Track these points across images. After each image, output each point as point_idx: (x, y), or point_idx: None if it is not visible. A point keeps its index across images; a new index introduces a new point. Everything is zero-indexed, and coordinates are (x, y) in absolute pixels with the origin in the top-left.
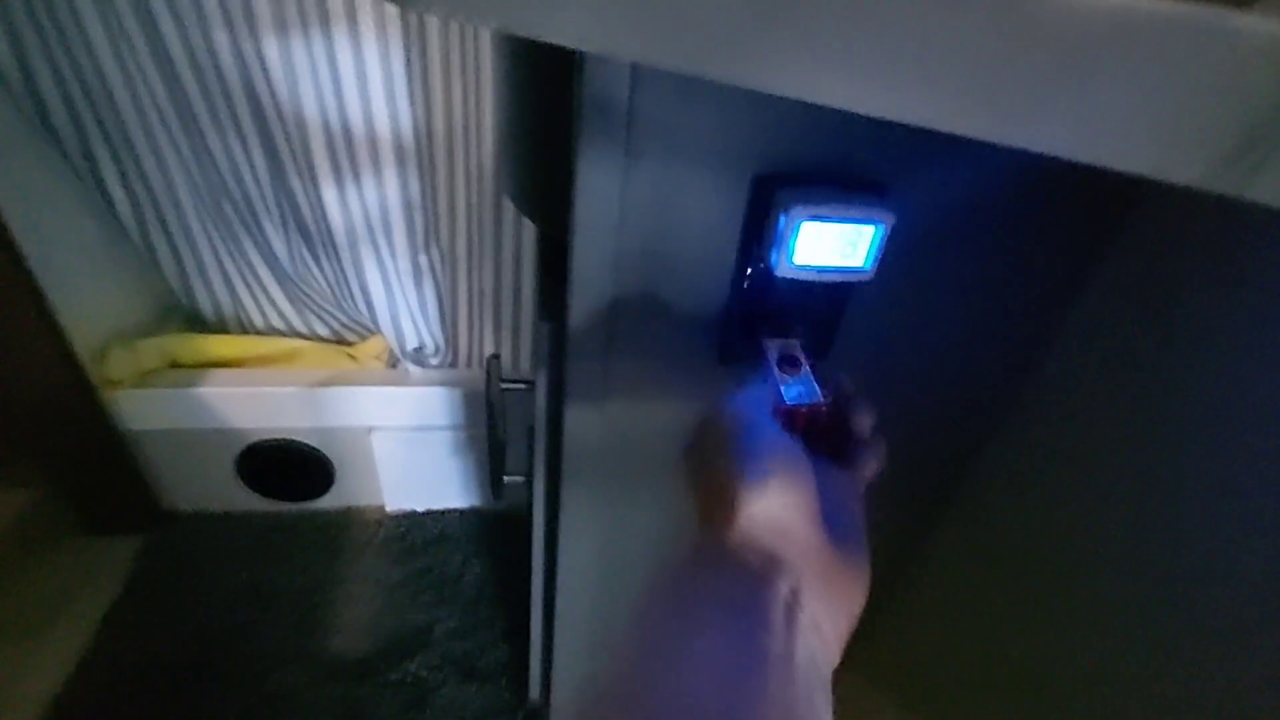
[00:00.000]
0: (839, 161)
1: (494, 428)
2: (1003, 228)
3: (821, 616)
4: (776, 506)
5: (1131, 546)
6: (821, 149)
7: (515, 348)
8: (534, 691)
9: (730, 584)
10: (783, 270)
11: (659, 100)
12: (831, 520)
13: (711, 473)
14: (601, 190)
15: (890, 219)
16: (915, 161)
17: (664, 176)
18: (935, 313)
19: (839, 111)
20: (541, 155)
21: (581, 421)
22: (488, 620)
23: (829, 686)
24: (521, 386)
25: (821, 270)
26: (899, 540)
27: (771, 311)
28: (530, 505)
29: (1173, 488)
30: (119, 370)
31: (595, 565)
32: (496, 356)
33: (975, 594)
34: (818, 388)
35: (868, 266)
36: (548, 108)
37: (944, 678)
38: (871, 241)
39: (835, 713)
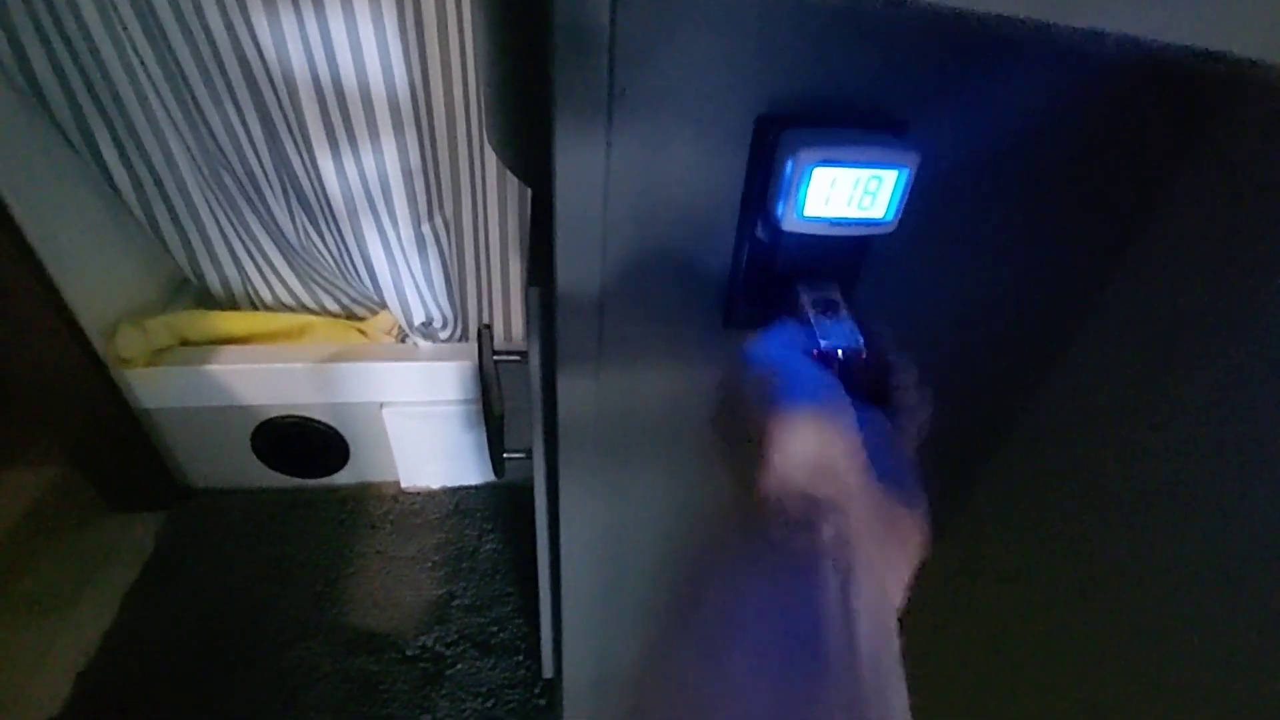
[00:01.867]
0: (853, 97)
1: (488, 402)
2: (1044, 168)
3: (877, 560)
4: (814, 444)
5: (1162, 549)
6: (833, 82)
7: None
8: (547, 669)
9: (773, 531)
10: (790, 224)
11: (644, 26)
12: (879, 459)
13: (741, 423)
14: (583, 134)
15: (914, 161)
16: (940, 92)
17: (654, 118)
18: (965, 269)
19: (851, 38)
20: (520, 98)
21: (576, 392)
22: (504, 594)
23: (894, 637)
24: (515, 358)
25: (836, 223)
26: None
27: (780, 269)
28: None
29: (1210, 489)
30: (129, 349)
31: (600, 540)
32: (488, 327)
33: (1007, 573)
34: (859, 333)
35: (889, 218)
36: (523, 40)
37: (953, 690)
38: (894, 188)
39: None
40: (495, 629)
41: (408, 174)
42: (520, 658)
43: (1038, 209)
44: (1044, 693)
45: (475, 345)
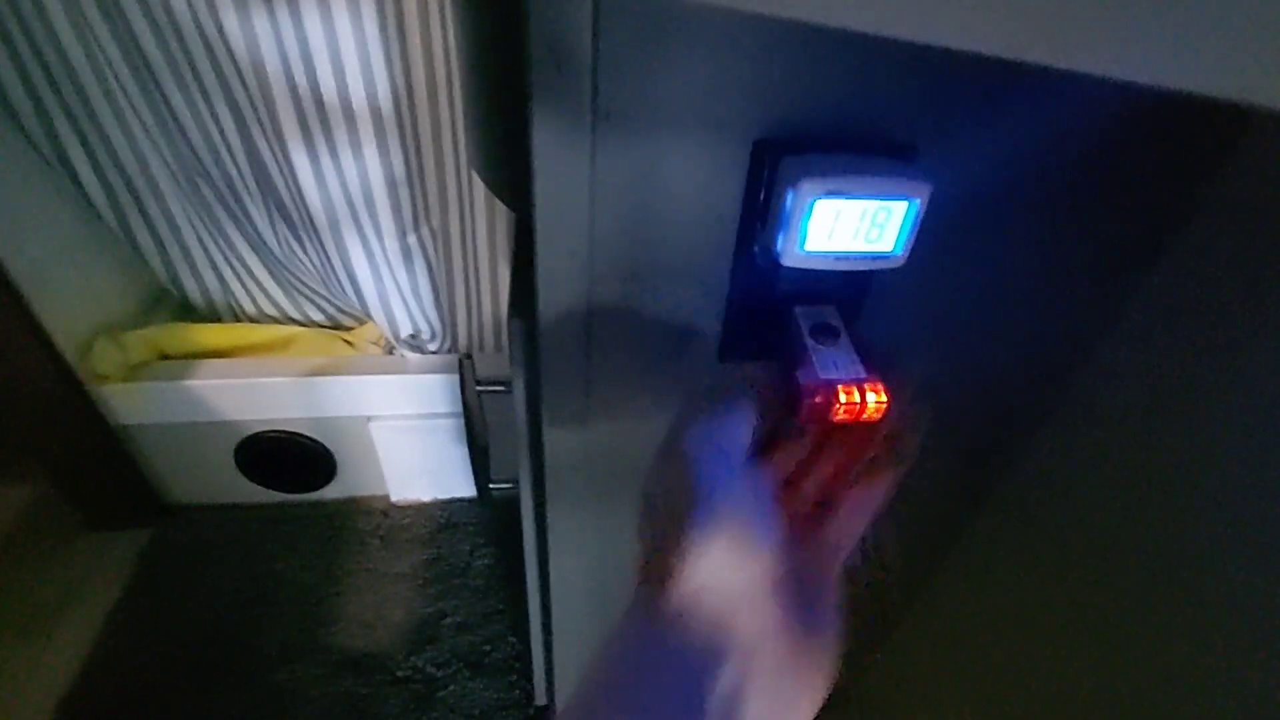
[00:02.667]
0: (859, 120)
1: (472, 434)
2: (1063, 195)
3: (769, 711)
4: (723, 578)
5: (1167, 563)
6: (837, 104)
7: None
8: (539, 697)
9: (673, 652)
10: (791, 259)
11: (631, 43)
12: (796, 594)
13: (658, 519)
14: (565, 158)
15: (925, 191)
16: (952, 115)
17: (641, 142)
18: (975, 303)
19: (856, 57)
20: (499, 117)
21: (563, 427)
22: (497, 611)
23: None
24: (500, 389)
25: (840, 257)
26: (928, 541)
27: (779, 301)
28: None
29: (1219, 503)
30: (105, 364)
31: (589, 574)
32: (469, 357)
33: (1007, 598)
34: (859, 362)
35: (898, 251)
36: (500, 57)
37: (974, 685)
38: (903, 221)
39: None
40: (488, 648)
41: (391, 184)
42: (513, 678)
43: (1055, 240)
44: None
45: (463, 368)
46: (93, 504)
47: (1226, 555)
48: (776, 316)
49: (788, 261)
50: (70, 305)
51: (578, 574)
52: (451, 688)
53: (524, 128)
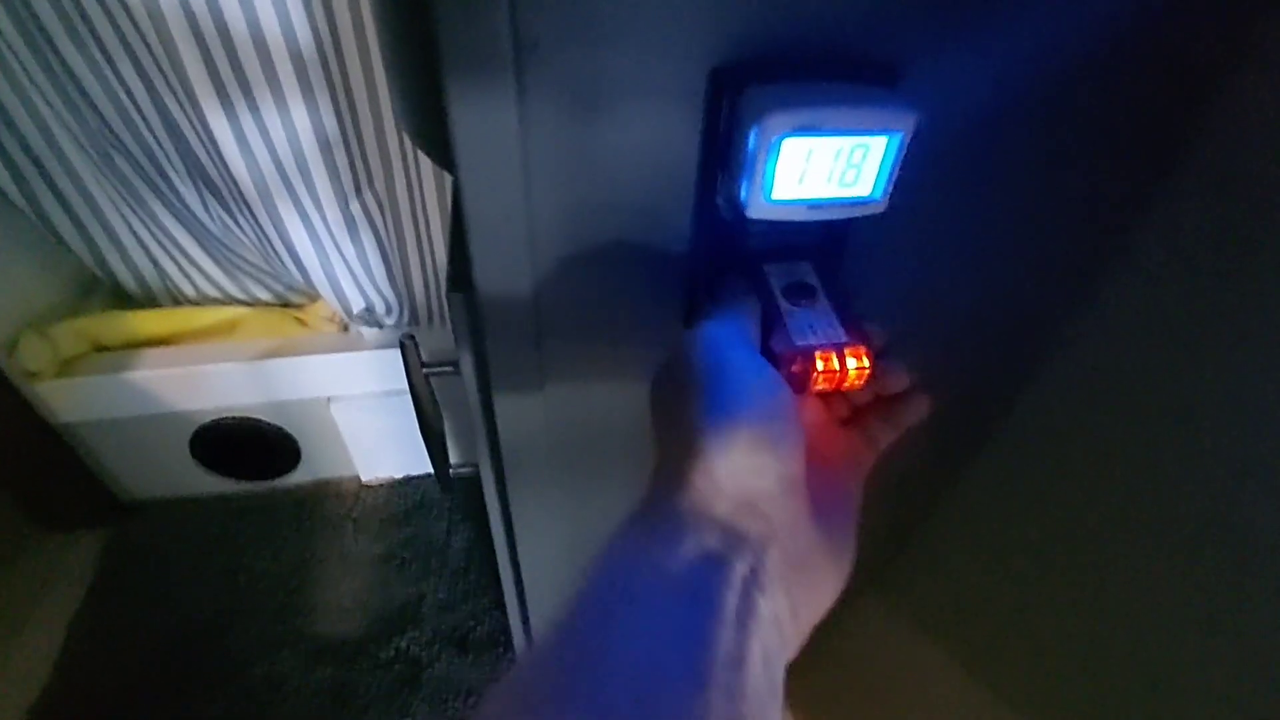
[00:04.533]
0: (831, 38)
1: (424, 419)
2: (1065, 123)
3: (784, 609)
4: (745, 467)
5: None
6: (805, 20)
7: None
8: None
9: (679, 561)
10: (757, 209)
11: None
12: (816, 490)
13: (672, 416)
14: (485, 99)
15: (910, 122)
16: (941, 27)
17: (576, 75)
18: (964, 249)
19: None
20: (411, 55)
21: (517, 406)
22: (478, 588)
23: (780, 691)
24: (448, 369)
25: (813, 205)
26: (935, 475)
27: (748, 257)
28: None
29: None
30: (34, 361)
31: (558, 551)
32: (412, 338)
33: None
34: (839, 324)
35: (877, 195)
36: None
37: (990, 621)
38: (883, 159)
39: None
40: (473, 624)
41: (325, 146)
42: (500, 650)
43: (1057, 174)
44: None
45: (425, 329)
46: (44, 506)
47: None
48: (746, 274)
49: (754, 214)
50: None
51: (547, 548)
52: (437, 667)
53: (435, 65)
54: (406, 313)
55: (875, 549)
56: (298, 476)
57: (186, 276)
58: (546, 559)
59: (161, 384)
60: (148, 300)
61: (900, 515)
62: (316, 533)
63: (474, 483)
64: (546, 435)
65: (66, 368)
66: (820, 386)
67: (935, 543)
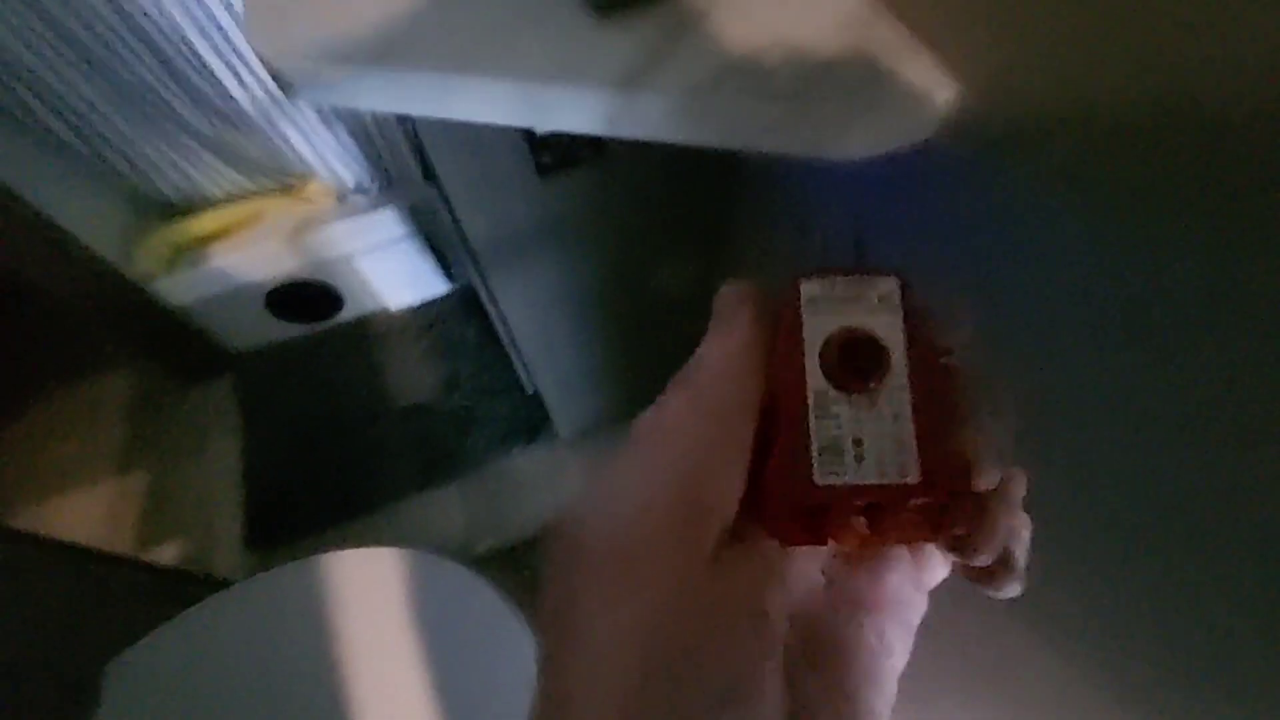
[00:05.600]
0: None
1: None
2: None
3: None
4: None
5: None
6: None
7: None
8: (528, 387)
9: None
10: None
11: None
12: None
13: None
14: None
15: None
16: None
17: None
18: None
19: None
20: None
21: (477, 220)
22: (494, 360)
23: None
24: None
25: None
26: None
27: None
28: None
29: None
30: (147, 265)
31: (531, 312)
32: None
33: None
34: (912, 436)
35: None
36: None
37: None
38: None
39: None
40: (497, 381)
41: None
42: (521, 392)
43: None
44: None
45: (401, 188)
46: (181, 366)
47: None
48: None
49: None
50: (97, 225)
51: (518, 300)
52: (481, 409)
53: None
54: (384, 179)
55: None
56: (346, 315)
57: (212, 180)
58: (517, 300)
59: (236, 266)
60: (187, 205)
61: None
62: (371, 349)
63: (471, 294)
64: (502, 227)
65: (168, 266)
66: (844, 548)
67: None
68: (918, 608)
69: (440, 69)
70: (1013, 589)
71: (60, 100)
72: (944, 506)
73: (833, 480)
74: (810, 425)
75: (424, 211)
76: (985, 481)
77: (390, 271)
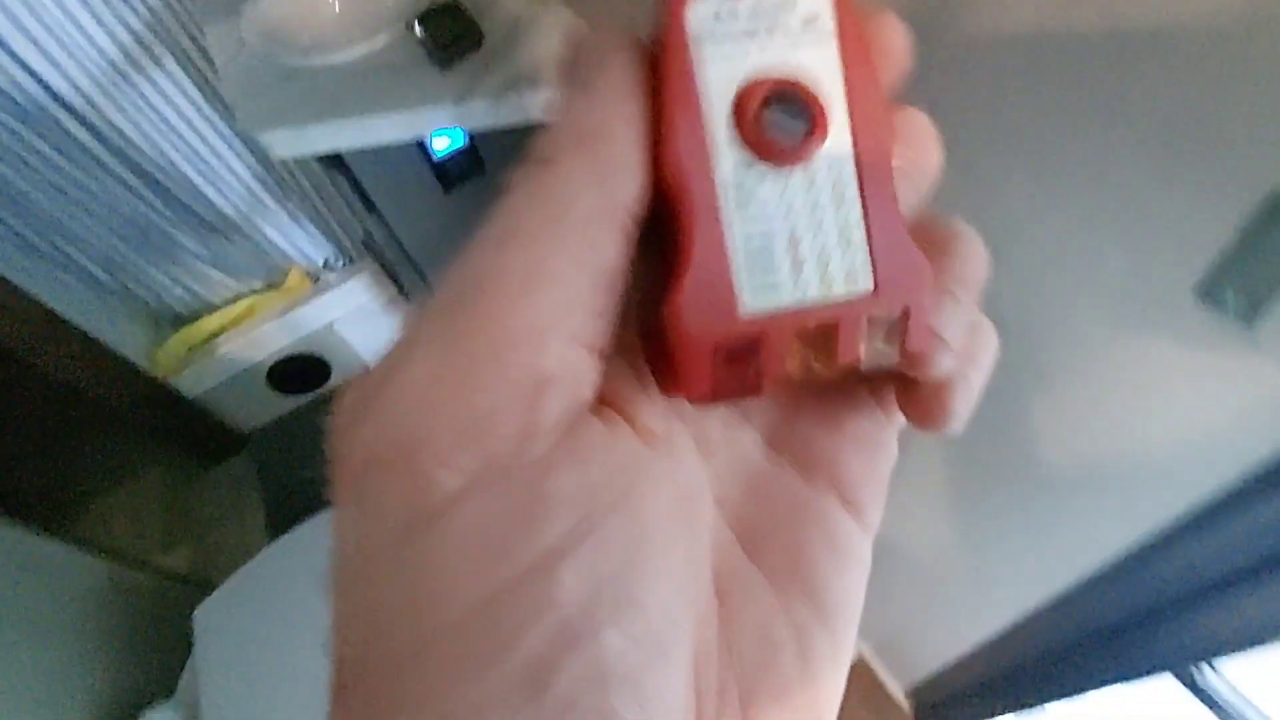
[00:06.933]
0: None
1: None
2: None
3: None
4: None
5: None
6: None
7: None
8: None
9: None
10: None
11: None
12: None
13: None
14: None
15: None
16: None
17: None
18: None
19: None
20: None
21: (398, 208)
22: None
23: None
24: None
25: None
26: None
27: None
28: None
29: None
30: (166, 366)
31: None
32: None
33: None
34: (864, 234)
35: None
36: None
37: None
38: None
39: None
40: None
41: (254, 169)
42: None
43: None
44: None
45: (360, 261)
46: (200, 449)
47: None
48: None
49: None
50: (125, 337)
51: None
52: None
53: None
54: (345, 256)
55: None
56: (334, 381)
57: (211, 289)
58: None
59: (237, 353)
60: (193, 313)
61: None
62: None
63: None
64: (443, 256)
65: (182, 365)
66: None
67: None
68: (889, 452)
69: (355, 114)
70: (960, 419)
71: (88, 245)
72: (904, 317)
73: (767, 303)
74: (725, 224)
75: (376, 247)
76: (953, 270)
77: (365, 334)
